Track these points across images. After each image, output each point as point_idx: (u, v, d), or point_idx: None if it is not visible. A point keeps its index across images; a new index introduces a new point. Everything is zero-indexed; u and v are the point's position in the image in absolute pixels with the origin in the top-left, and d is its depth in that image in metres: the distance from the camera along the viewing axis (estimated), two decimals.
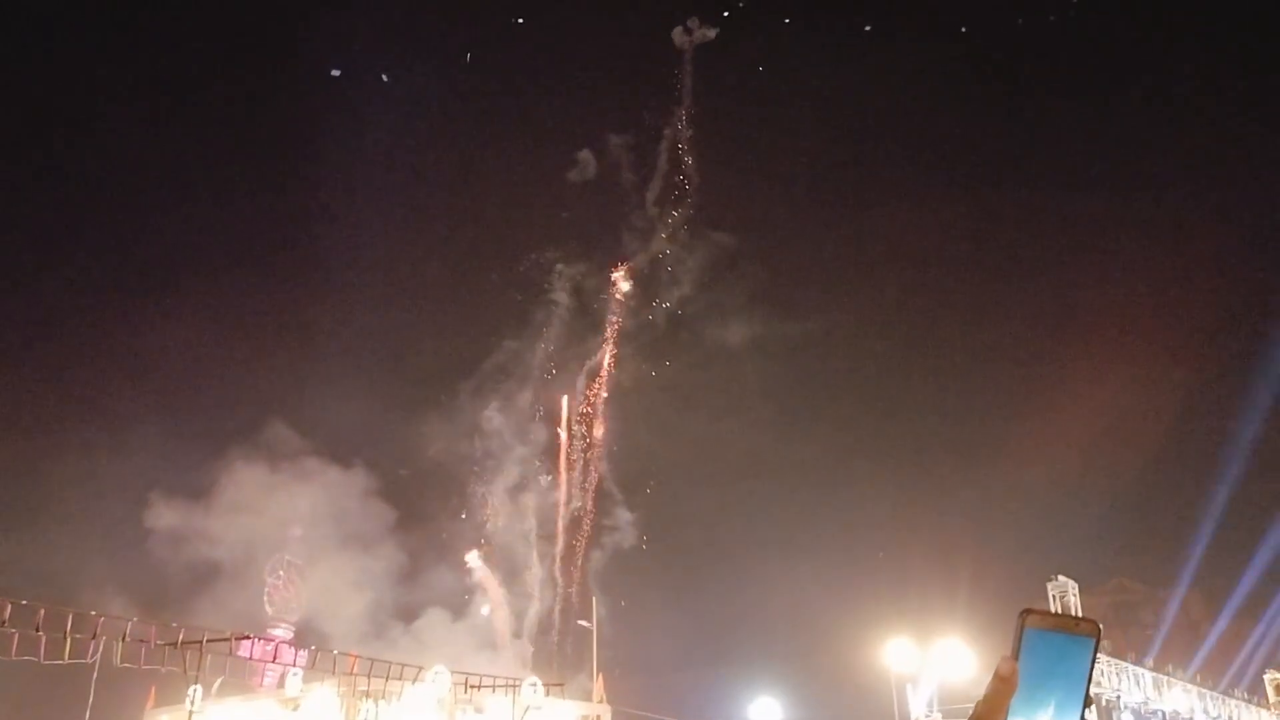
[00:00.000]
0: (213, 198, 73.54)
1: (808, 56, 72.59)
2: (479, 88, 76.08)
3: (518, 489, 64.31)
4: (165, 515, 53.39)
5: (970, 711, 2.42)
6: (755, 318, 71.28)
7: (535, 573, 63.26)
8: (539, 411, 66.48)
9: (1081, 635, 2.42)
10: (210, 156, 72.68)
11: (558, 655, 60.92)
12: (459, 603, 58.96)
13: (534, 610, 62.39)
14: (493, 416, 64.40)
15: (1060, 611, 2.47)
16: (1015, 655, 2.38)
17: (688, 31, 68.05)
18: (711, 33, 67.76)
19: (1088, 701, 2.41)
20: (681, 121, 68.60)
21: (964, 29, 72.74)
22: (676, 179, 68.61)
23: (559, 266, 67.69)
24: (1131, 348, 72.48)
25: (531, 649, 61.30)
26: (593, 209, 69.19)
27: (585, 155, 67.41)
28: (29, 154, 69.40)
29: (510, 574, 62.14)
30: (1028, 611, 2.41)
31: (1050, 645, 2.39)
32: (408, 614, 56.56)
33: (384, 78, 70.08)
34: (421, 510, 63.06)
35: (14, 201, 69.73)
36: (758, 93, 73.35)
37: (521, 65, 71.47)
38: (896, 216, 76.69)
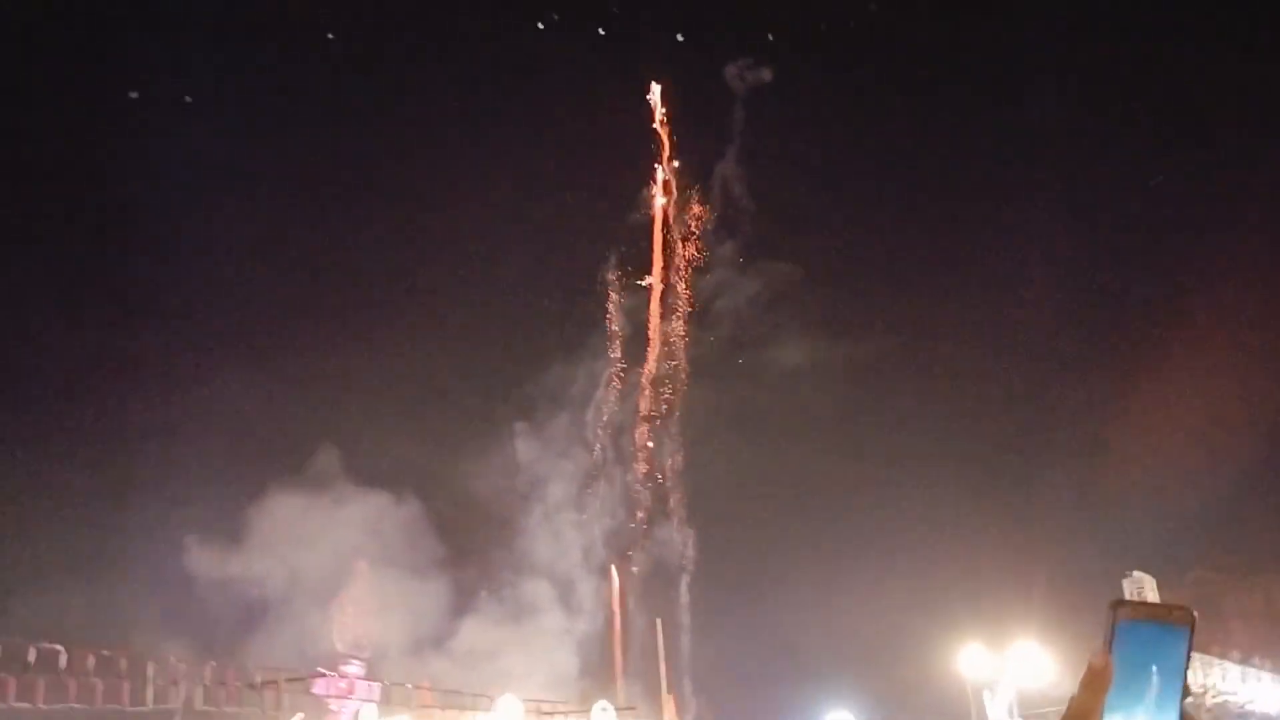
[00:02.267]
0: (256, 224, 74.14)
1: (862, 76, 72.69)
2: (528, 122, 76.42)
3: (577, 509, 64.55)
4: (229, 557, 54.34)
5: (1063, 710, 2.39)
6: (816, 341, 71.18)
7: (599, 595, 63.34)
8: (597, 435, 66.75)
9: (1175, 624, 2.38)
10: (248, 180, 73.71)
11: (625, 677, 60.74)
12: (524, 629, 59.13)
13: (598, 632, 62.41)
14: (548, 440, 64.77)
15: (1151, 603, 2.43)
16: (1108, 648, 2.34)
17: (740, 72, 68.60)
18: (766, 74, 68.30)
19: (1186, 692, 2.36)
20: (734, 151, 69.08)
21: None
22: (730, 211, 69.05)
23: (612, 292, 68.14)
24: (1214, 340, 69.29)
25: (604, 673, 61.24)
26: (646, 234, 69.45)
27: (642, 190, 67.98)
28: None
29: (573, 598, 62.26)
30: (1118, 603, 2.37)
31: (1144, 636, 2.34)
32: (472, 642, 56.89)
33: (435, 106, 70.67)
34: (483, 537, 63.39)
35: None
36: (811, 118, 73.23)
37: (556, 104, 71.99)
38: (960, 229, 76.23)
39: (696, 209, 68.44)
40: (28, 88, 65.52)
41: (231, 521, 55.06)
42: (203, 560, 54.05)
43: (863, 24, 74.51)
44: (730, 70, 68.19)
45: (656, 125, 68.09)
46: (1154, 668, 2.34)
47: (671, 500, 66.05)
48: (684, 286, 68.24)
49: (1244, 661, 52.07)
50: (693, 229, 68.52)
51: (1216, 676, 48.17)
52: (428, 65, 72.69)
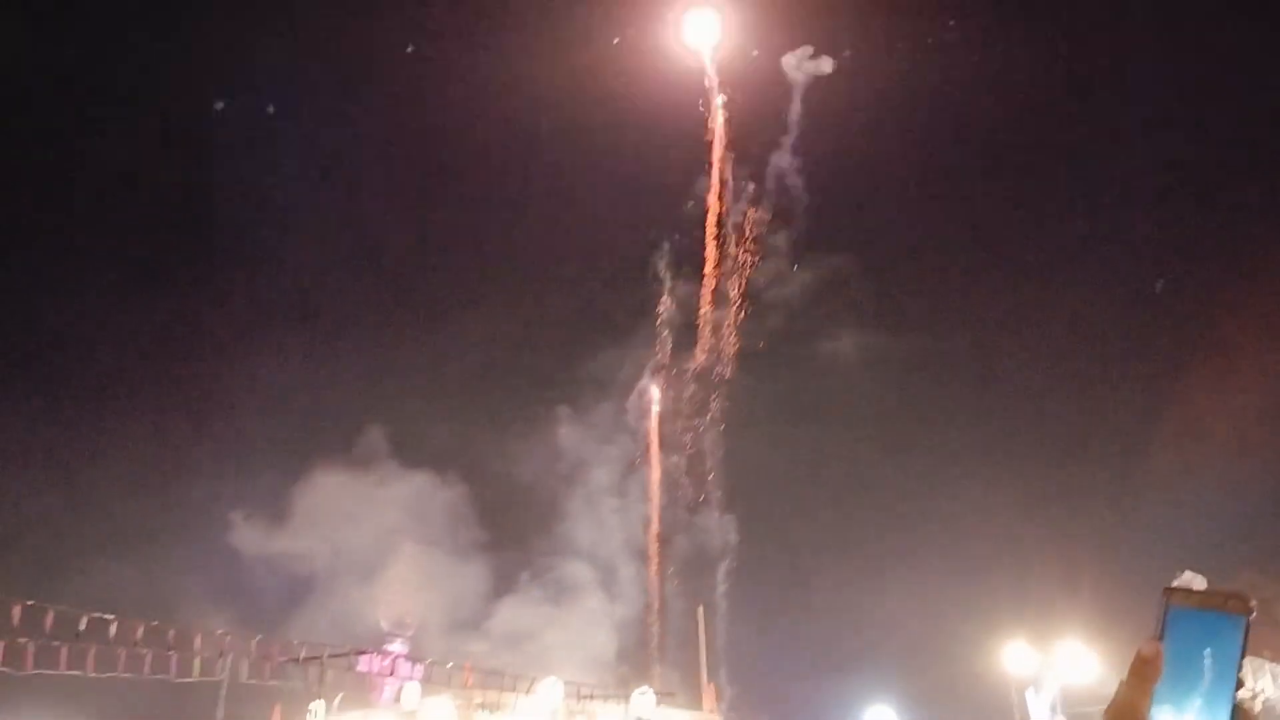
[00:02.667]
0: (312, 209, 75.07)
1: (917, 66, 71.70)
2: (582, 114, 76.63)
3: (620, 495, 64.73)
4: (278, 533, 55.32)
5: (1111, 698, 2.27)
6: (867, 333, 71.01)
7: (639, 581, 63.50)
8: (643, 422, 66.86)
9: (1231, 613, 2.25)
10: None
11: (663, 664, 60.93)
12: (569, 614, 59.47)
13: (639, 619, 62.60)
14: (593, 425, 64.95)
15: (1205, 589, 2.28)
16: (1159, 636, 2.25)
17: (798, 62, 67.99)
18: (828, 65, 67.58)
19: (1239, 684, 2.27)
20: (791, 142, 68.60)
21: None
22: (785, 200, 68.64)
23: (664, 281, 68.13)
24: (1265, 337, 68.05)
25: (644, 659, 61.47)
26: (700, 225, 69.25)
27: (697, 182, 67.74)
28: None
29: (613, 583, 62.47)
30: (1171, 590, 2.27)
31: (1198, 625, 2.24)
32: (519, 627, 57.35)
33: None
34: (525, 521, 63.84)
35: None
36: (865, 110, 72.50)
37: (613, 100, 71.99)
38: (1011, 228, 75.67)
39: (751, 199, 68.49)
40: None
41: (281, 498, 56.14)
42: (252, 536, 55.20)
43: (925, 19, 73.76)
44: (788, 60, 67.93)
45: (714, 118, 68.11)
46: (1207, 658, 2.24)
47: (715, 489, 66.05)
48: (737, 276, 68.22)
49: None
50: (747, 218, 68.44)
51: (1266, 680, 47.16)
52: (490, 62, 73.10)
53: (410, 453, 60.08)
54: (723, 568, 64.35)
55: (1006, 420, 76.20)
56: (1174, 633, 2.24)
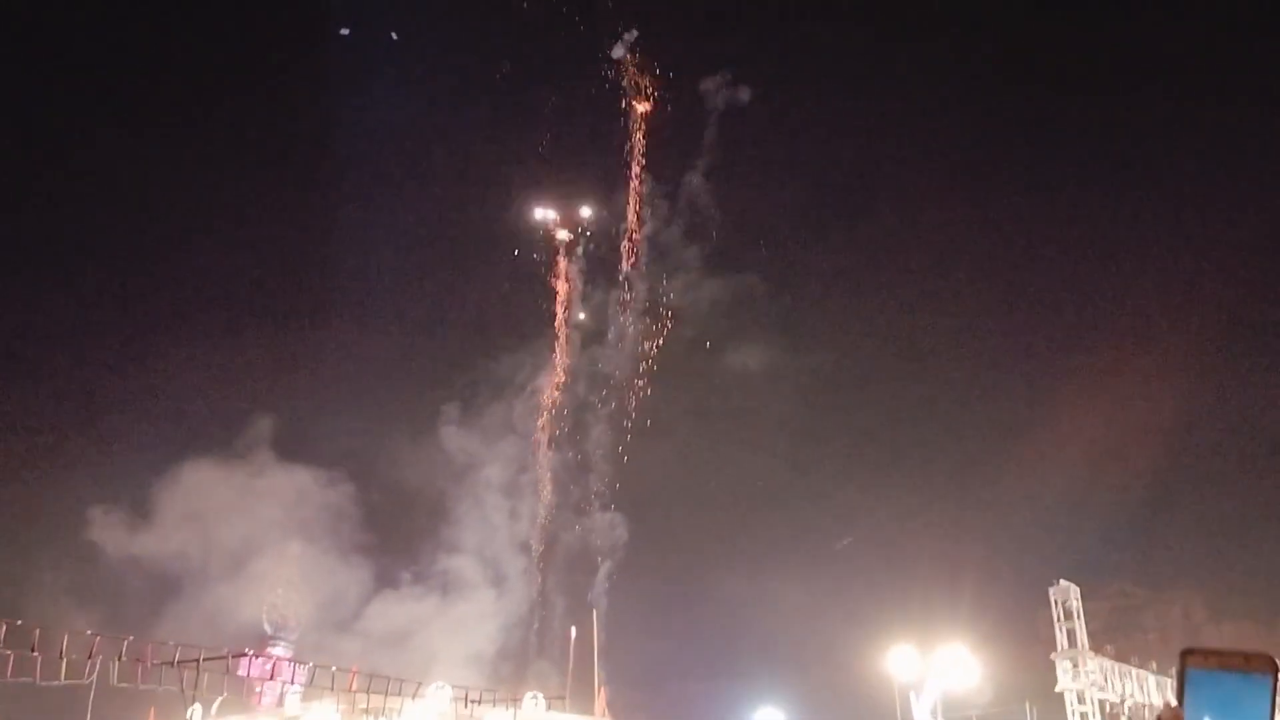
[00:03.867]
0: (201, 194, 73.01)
1: (818, 85, 74.87)
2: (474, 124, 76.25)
3: (512, 497, 64.19)
4: (158, 532, 53.20)
5: (986, 715, 2.16)
6: (772, 349, 73.08)
7: (526, 583, 63.09)
8: (536, 424, 66.41)
9: (1255, 673, 2.13)
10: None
11: (556, 668, 60.61)
12: (454, 614, 58.68)
13: (527, 622, 62.17)
14: (485, 428, 64.27)
15: (1223, 649, 2.13)
16: (1180, 700, 2.15)
17: (717, 87, 68.97)
18: (745, 94, 68.84)
19: None
20: (700, 166, 69.55)
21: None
22: (694, 219, 69.67)
23: (571, 285, 68.19)
24: (1134, 358, 74.54)
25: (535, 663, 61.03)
26: (605, 236, 69.82)
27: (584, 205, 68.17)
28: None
29: (500, 584, 61.92)
30: (1189, 651, 2.18)
31: (1220, 687, 2.10)
32: (403, 627, 56.35)
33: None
34: (413, 521, 62.79)
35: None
36: (771, 131, 75.28)
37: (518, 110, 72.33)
38: (908, 255, 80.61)
39: (665, 215, 69.21)
40: None
41: (153, 492, 53.91)
42: (119, 531, 52.83)
43: (841, 50, 77.14)
44: (707, 85, 69.06)
45: (632, 129, 68.72)
46: None
47: (608, 494, 66.03)
48: (646, 286, 68.83)
49: (1161, 672, 53.32)
50: (657, 232, 69.17)
51: (1135, 685, 49.28)
52: (391, 61, 72.32)
53: (296, 448, 58.64)
54: (611, 570, 64.39)
55: (893, 437, 79.90)
56: (1195, 697, 2.14)
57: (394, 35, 69.33)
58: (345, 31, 68.25)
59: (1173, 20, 76.82)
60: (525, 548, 63.89)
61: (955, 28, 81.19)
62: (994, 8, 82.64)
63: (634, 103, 68.35)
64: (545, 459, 65.74)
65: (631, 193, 69.08)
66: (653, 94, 68.43)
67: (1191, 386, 75.79)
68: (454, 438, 63.41)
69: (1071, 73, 79.27)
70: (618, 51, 67.36)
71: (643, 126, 68.80)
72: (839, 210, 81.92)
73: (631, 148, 68.76)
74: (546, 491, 65.37)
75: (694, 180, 69.33)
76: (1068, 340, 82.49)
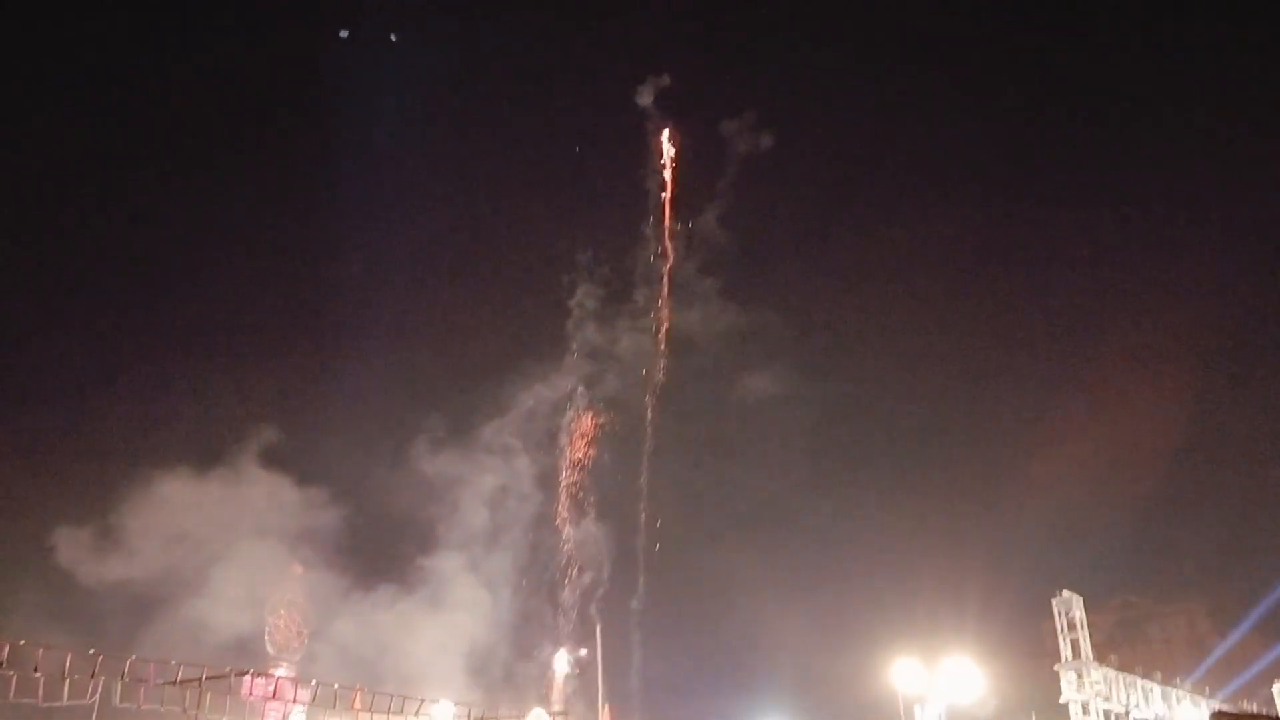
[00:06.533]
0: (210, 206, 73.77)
1: (833, 125, 77.35)
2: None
3: (529, 520, 64.12)
4: (160, 552, 52.94)
5: None
6: (785, 376, 74.62)
7: (542, 602, 62.91)
8: (556, 446, 66.73)
9: None
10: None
11: (562, 686, 60.35)
12: (463, 635, 58.43)
13: (539, 642, 61.95)
14: (503, 449, 64.29)
15: (1255, 714, 2.01)
16: None
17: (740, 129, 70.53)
18: (769, 139, 70.94)
19: None
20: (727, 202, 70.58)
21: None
22: (709, 254, 70.83)
23: (587, 313, 68.90)
24: (1138, 374, 76.14)
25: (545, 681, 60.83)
26: (627, 260, 70.93)
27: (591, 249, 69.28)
28: None
29: (519, 605, 61.76)
30: (1220, 714, 2.10)
31: None
32: (412, 649, 56.10)
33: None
34: (420, 541, 62.58)
35: None
36: (787, 163, 77.22)
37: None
38: (907, 267, 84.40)
39: (686, 248, 70.11)
40: None
41: (157, 515, 53.57)
42: (124, 554, 52.47)
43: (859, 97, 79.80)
44: (728, 126, 70.72)
45: (662, 165, 69.88)
46: None
47: (623, 513, 66.08)
48: (665, 312, 69.64)
49: (1166, 683, 53.12)
50: (679, 261, 70.13)
51: (1139, 696, 49.07)
52: (422, 85, 73.52)
53: (298, 467, 58.49)
54: (627, 593, 64.32)
55: (901, 456, 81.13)
56: None
57: (401, 99, 70.29)
58: (346, 34, 68.52)
59: (1174, 43, 79.54)
60: (533, 566, 63.80)
61: (972, 69, 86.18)
62: (1013, 55, 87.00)
63: (657, 139, 69.67)
64: (562, 486, 65.96)
65: (650, 223, 70.23)
66: (674, 145, 69.65)
67: (1195, 400, 77.29)
68: (468, 456, 63.39)
69: (1080, 116, 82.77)
70: (644, 98, 69.22)
71: (669, 164, 70.04)
72: (850, 244, 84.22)
73: (654, 182, 70.03)
74: (560, 514, 65.46)
75: (711, 218, 71.16)
76: (1071, 357, 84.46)
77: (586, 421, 67.33)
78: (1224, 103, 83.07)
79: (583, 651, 56.91)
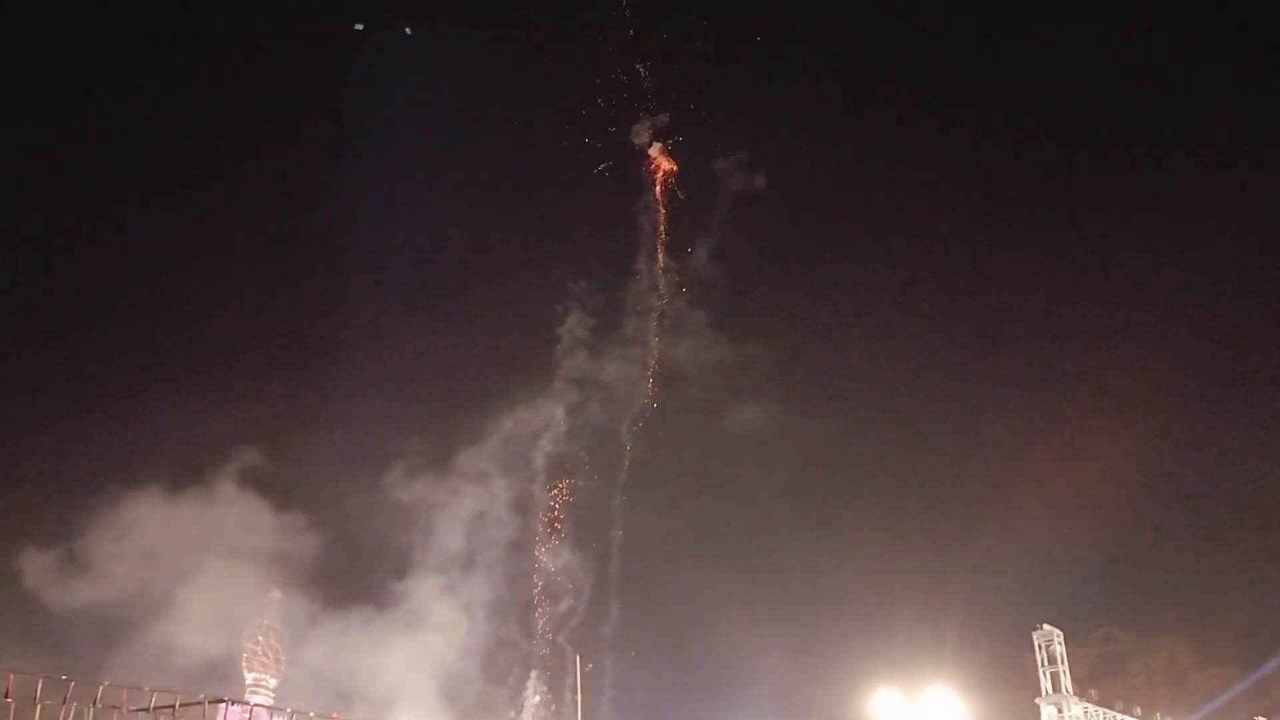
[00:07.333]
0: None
1: (824, 163, 79.46)
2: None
3: (505, 545, 63.76)
4: (134, 574, 52.30)
5: None
6: (770, 412, 74.52)
7: (522, 629, 62.54)
8: (536, 470, 66.56)
9: None
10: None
11: (535, 711, 59.98)
12: (437, 659, 57.95)
13: (518, 667, 61.55)
14: (483, 474, 64.07)
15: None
16: None
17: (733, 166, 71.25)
18: (761, 178, 71.26)
19: None
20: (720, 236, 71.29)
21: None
22: (700, 288, 71.21)
23: (577, 341, 69.17)
24: (1113, 407, 77.64)
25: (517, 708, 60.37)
26: (615, 290, 71.46)
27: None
28: None
29: (493, 631, 61.32)
30: None
31: None
32: (385, 673, 55.57)
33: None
34: (399, 560, 62.15)
35: None
36: (778, 201, 78.33)
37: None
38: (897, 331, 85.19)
39: (677, 280, 70.62)
40: None
41: (131, 536, 52.95)
42: (93, 576, 51.69)
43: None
44: (722, 164, 71.01)
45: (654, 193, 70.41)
46: None
47: (603, 539, 65.87)
48: (654, 342, 69.94)
49: (1146, 718, 53.17)
50: (670, 293, 70.59)
51: None
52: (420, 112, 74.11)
53: (278, 490, 58.07)
54: (604, 621, 64.01)
55: (883, 490, 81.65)
56: None
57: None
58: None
59: (1162, 71, 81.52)
60: (517, 587, 63.54)
61: (962, 104, 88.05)
62: (1014, 87, 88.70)
63: (651, 173, 70.39)
64: (540, 513, 65.78)
65: (644, 256, 70.73)
66: (670, 177, 70.33)
67: (1172, 435, 78.56)
68: (452, 479, 63.08)
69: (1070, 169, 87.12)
70: (641, 136, 69.64)
71: (661, 201, 70.76)
72: (837, 282, 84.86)
73: (649, 219, 70.70)
74: (544, 537, 65.25)
75: (703, 253, 71.50)
76: (1051, 393, 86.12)
77: (567, 449, 67.23)
78: (1201, 140, 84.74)
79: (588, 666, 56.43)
